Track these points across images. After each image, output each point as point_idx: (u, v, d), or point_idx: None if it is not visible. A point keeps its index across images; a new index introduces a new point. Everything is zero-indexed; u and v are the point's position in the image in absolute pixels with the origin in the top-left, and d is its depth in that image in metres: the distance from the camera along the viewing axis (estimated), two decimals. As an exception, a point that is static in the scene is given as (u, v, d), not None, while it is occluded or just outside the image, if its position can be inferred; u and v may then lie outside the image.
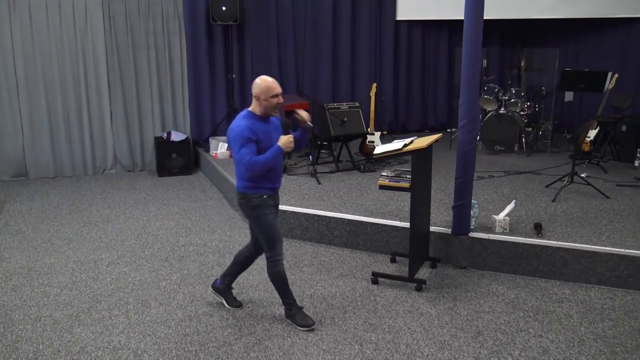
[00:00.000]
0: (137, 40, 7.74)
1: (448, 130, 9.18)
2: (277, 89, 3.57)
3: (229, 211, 6.27)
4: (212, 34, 8.02)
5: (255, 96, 3.57)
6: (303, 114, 3.74)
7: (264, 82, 3.56)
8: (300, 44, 8.58)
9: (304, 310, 3.88)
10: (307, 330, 3.73)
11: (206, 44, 7.95)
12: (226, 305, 4.06)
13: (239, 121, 3.56)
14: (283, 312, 3.93)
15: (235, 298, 4.10)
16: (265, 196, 3.64)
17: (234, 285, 4.13)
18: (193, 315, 3.96)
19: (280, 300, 3.86)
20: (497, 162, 7.19)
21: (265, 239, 3.69)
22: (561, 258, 4.45)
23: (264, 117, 3.61)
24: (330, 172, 6.75)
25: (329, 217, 5.20)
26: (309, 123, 3.74)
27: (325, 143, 7.28)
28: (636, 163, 7.05)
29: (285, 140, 3.56)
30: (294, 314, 3.82)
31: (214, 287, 4.12)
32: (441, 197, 5.68)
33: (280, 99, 3.58)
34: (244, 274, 4.61)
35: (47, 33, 7.35)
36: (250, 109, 3.62)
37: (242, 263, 4.03)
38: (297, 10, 8.47)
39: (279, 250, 3.71)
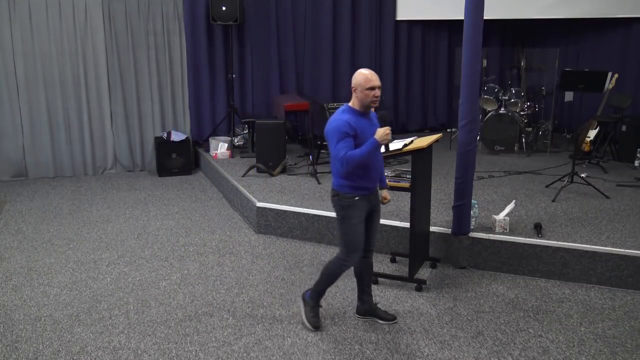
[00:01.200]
0: (137, 40, 7.74)
1: (448, 130, 9.18)
2: (375, 81, 3.40)
3: (229, 211, 6.27)
4: (212, 34, 8.02)
5: (353, 88, 3.45)
6: (386, 195, 3.79)
7: (360, 74, 3.42)
8: (300, 44, 8.58)
9: (319, 310, 3.82)
10: (308, 329, 3.72)
11: (206, 44, 7.95)
12: (381, 322, 3.83)
13: (338, 115, 3.44)
14: (282, 312, 3.93)
15: (385, 311, 3.89)
16: (357, 198, 3.51)
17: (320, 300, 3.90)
18: (193, 315, 3.96)
19: (312, 288, 3.79)
20: (497, 162, 7.19)
21: (344, 242, 3.58)
22: (561, 258, 4.44)
23: (362, 112, 3.48)
24: (330, 172, 6.74)
25: (329, 217, 5.19)
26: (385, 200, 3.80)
27: (326, 143, 7.27)
28: (636, 163, 7.05)
29: (381, 133, 3.37)
30: (311, 305, 3.76)
31: (360, 313, 3.90)
32: (441, 197, 5.68)
33: (378, 92, 3.41)
34: (244, 273, 4.62)
35: (47, 33, 7.35)
36: (349, 103, 3.51)
37: (364, 271, 3.82)
38: (297, 10, 8.47)
39: (354, 258, 3.61)
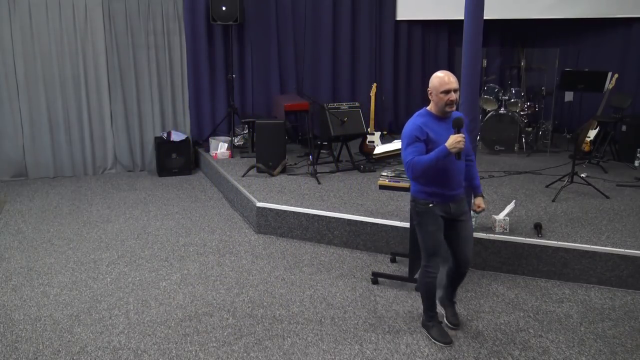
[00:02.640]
0: (137, 40, 7.74)
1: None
2: (450, 84, 3.25)
3: (229, 211, 6.27)
4: (212, 34, 8.02)
5: (429, 92, 3.36)
6: (480, 203, 3.62)
7: (435, 77, 3.31)
8: (300, 44, 8.58)
9: (443, 326, 3.71)
10: (443, 345, 3.55)
11: (206, 44, 7.95)
12: (444, 320, 3.79)
13: (413, 119, 3.37)
14: (282, 312, 3.93)
15: (455, 316, 3.79)
16: (431, 205, 3.39)
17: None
18: (193, 315, 3.96)
19: (422, 309, 3.71)
20: (497, 162, 7.19)
21: (423, 247, 3.50)
22: (561, 258, 4.44)
23: (441, 116, 3.35)
24: (330, 172, 6.75)
25: (329, 217, 5.20)
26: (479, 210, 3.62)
27: (325, 143, 7.28)
28: (636, 163, 7.05)
29: (452, 140, 3.19)
30: (432, 325, 3.64)
31: (449, 321, 3.78)
32: (441, 197, 5.68)
33: (453, 96, 3.26)
34: (244, 273, 4.62)
35: (47, 33, 7.35)
36: (428, 107, 3.42)
37: (451, 283, 3.75)
38: (297, 10, 8.47)
39: (436, 263, 3.48)
